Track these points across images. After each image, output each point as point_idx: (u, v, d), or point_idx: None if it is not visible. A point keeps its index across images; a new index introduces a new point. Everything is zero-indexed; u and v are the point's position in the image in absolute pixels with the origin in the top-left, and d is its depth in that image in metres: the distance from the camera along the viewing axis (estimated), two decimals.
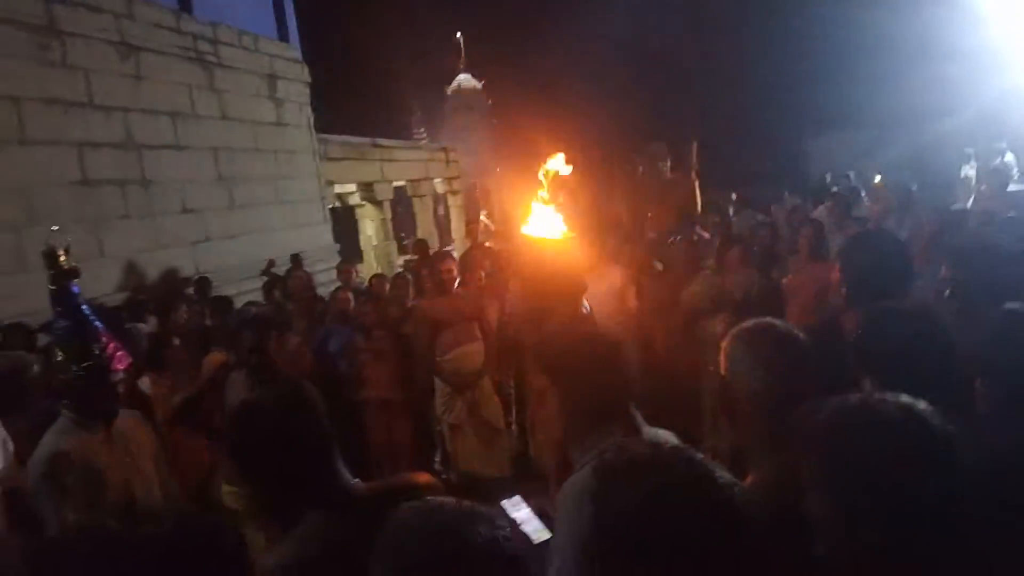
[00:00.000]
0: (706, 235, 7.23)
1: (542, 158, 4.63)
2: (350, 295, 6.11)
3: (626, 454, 1.10)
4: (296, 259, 9.19)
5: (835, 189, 10.37)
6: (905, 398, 1.21)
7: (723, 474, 1.05)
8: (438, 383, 5.10)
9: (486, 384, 5.14)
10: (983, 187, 7.36)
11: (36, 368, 3.25)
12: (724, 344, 1.82)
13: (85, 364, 2.53)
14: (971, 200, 7.79)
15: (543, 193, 4.22)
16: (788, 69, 19.18)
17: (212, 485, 3.97)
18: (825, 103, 18.62)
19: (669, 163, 10.72)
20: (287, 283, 7.58)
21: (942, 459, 1.13)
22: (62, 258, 2.68)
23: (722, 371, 1.81)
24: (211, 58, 8.86)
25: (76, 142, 6.76)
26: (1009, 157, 10.79)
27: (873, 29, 15.28)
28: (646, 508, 0.99)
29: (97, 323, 2.71)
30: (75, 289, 2.70)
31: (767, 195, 11.79)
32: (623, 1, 20.41)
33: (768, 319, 1.86)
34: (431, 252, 9.38)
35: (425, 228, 16.01)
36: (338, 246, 11.68)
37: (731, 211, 10.21)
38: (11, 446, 2.92)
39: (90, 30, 7.06)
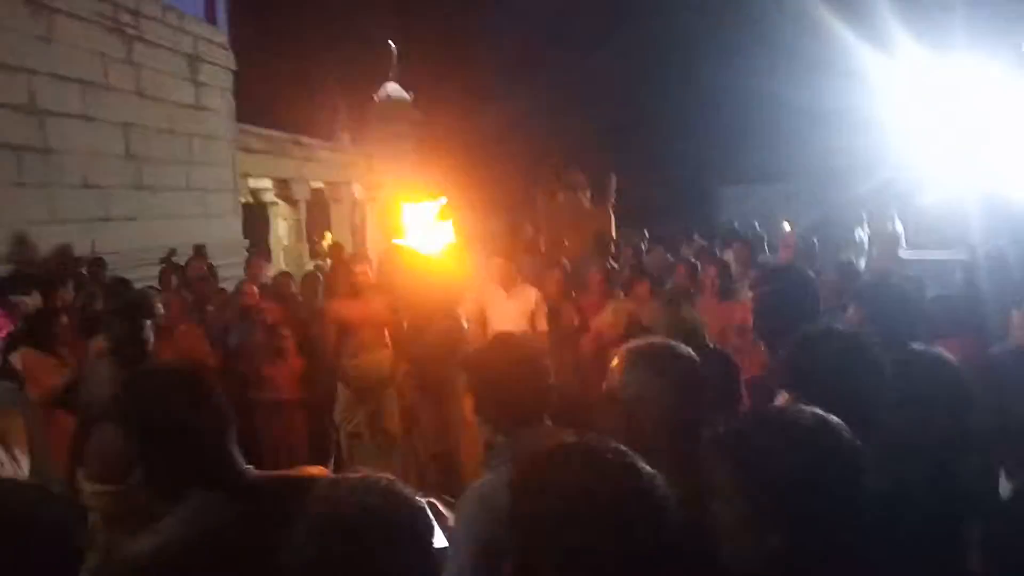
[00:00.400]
0: (615, 265, 7.41)
1: (465, 174, 4.67)
2: (255, 290, 5.92)
3: (548, 448, 1.11)
4: (199, 249, 8.80)
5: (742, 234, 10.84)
6: (818, 410, 1.26)
7: (646, 466, 1.08)
8: (340, 388, 4.98)
9: (390, 394, 5.05)
10: (875, 250, 7.88)
11: None
12: (618, 365, 1.85)
13: None
14: (862, 261, 8.34)
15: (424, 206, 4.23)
16: (706, 120, 20.08)
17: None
18: (737, 156, 19.59)
19: (589, 193, 10.97)
20: (185, 271, 7.29)
21: (849, 469, 1.19)
22: None
23: (616, 393, 1.83)
24: (131, 30, 8.47)
25: None
26: (898, 224, 11.61)
27: (787, 95, 16.22)
28: (572, 495, 1.00)
29: None
30: None
31: (676, 235, 12.23)
32: (557, 32, 20.88)
33: (663, 340, 1.93)
34: (345, 256, 9.22)
35: (340, 233, 15.71)
36: (247, 242, 11.28)
37: (644, 247, 10.52)
38: None
39: None
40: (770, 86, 16.66)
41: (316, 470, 1.84)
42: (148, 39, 8.74)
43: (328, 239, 14.59)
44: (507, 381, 1.90)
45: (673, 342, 1.88)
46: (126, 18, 8.37)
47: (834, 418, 1.24)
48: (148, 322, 3.65)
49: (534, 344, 2.07)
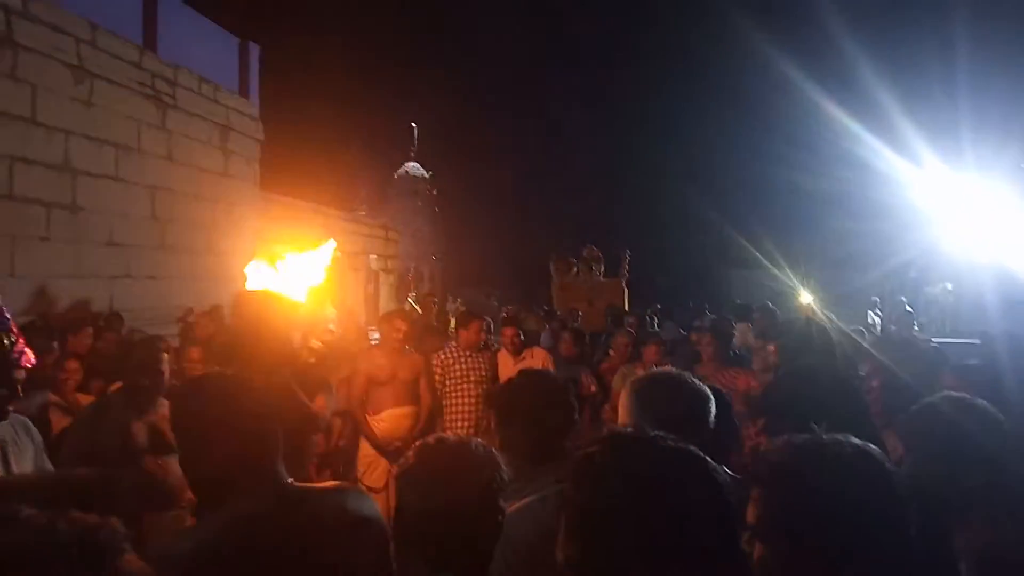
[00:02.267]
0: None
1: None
2: None
3: (606, 436, 1.12)
4: (216, 309, 8.89)
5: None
6: (856, 439, 1.19)
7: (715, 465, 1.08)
8: (361, 443, 4.95)
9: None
10: (892, 326, 7.85)
11: None
12: (625, 397, 1.90)
13: None
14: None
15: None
16: (720, 204, 20.43)
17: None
18: (750, 241, 19.82)
19: (603, 267, 11.07)
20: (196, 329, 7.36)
21: (897, 502, 1.12)
22: None
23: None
24: (167, 98, 8.82)
25: (8, 155, 6.53)
26: (908, 308, 11.60)
27: (801, 184, 16.54)
28: (638, 482, 1.01)
29: (7, 316, 2.55)
30: None
31: (687, 311, 12.24)
32: (575, 119, 21.51)
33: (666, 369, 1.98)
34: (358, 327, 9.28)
35: (355, 301, 15.82)
36: None
37: (654, 322, 10.53)
38: None
39: (47, 48, 6.97)
40: (785, 173, 16.98)
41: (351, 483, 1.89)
42: (182, 108, 9.09)
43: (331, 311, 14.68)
44: (537, 412, 1.90)
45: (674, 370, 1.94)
46: (163, 87, 8.73)
47: (874, 447, 1.18)
48: (165, 355, 3.66)
49: (557, 379, 2.07)
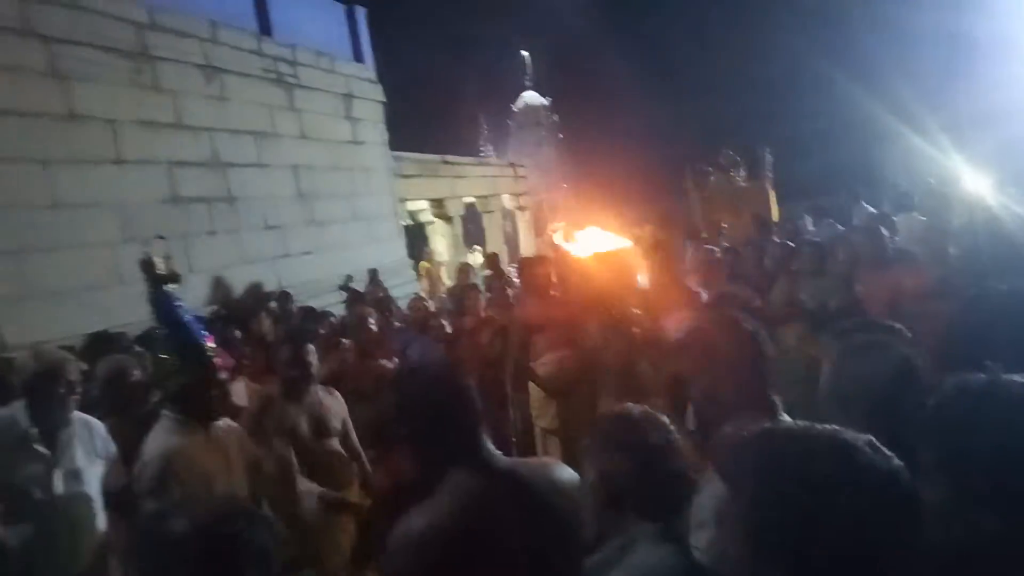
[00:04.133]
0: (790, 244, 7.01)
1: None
2: (428, 304, 6.17)
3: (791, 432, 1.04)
4: (373, 274, 9.34)
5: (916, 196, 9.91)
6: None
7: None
8: (533, 387, 5.05)
9: (581, 391, 5.05)
10: None
11: (137, 372, 3.37)
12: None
13: (195, 367, 2.60)
14: None
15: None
16: (863, 72, 18.53)
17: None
18: (896, 105, 17.95)
19: (743, 172, 10.49)
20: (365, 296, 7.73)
21: None
22: (160, 267, 2.77)
23: None
24: (290, 79, 9.14)
25: (166, 161, 7.05)
26: None
27: (945, 26, 14.68)
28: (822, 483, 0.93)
29: (202, 328, 2.78)
30: (174, 295, 2.78)
31: (842, 205, 11.35)
32: (690, 10, 20.23)
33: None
34: (501, 265, 9.43)
35: (495, 243, 16.08)
36: (412, 262, 11.84)
37: (809, 222, 9.89)
38: (112, 447, 3.03)
39: (178, 54, 7.38)
40: (931, 17, 15.07)
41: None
42: (305, 85, 9.40)
43: (478, 252, 15.00)
44: (729, 368, 1.82)
45: None
46: (285, 68, 9.05)
47: None
48: (310, 347, 3.80)
49: (747, 325, 1.96)
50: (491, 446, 1.82)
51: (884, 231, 5.22)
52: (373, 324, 4.48)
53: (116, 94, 6.60)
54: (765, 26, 20.01)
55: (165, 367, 2.64)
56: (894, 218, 6.81)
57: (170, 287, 2.80)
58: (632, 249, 4.55)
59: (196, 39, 7.67)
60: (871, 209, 10.70)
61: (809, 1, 19.35)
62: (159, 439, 2.52)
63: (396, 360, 4.77)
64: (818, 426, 1.02)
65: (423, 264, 12.75)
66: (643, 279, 5.05)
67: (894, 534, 0.91)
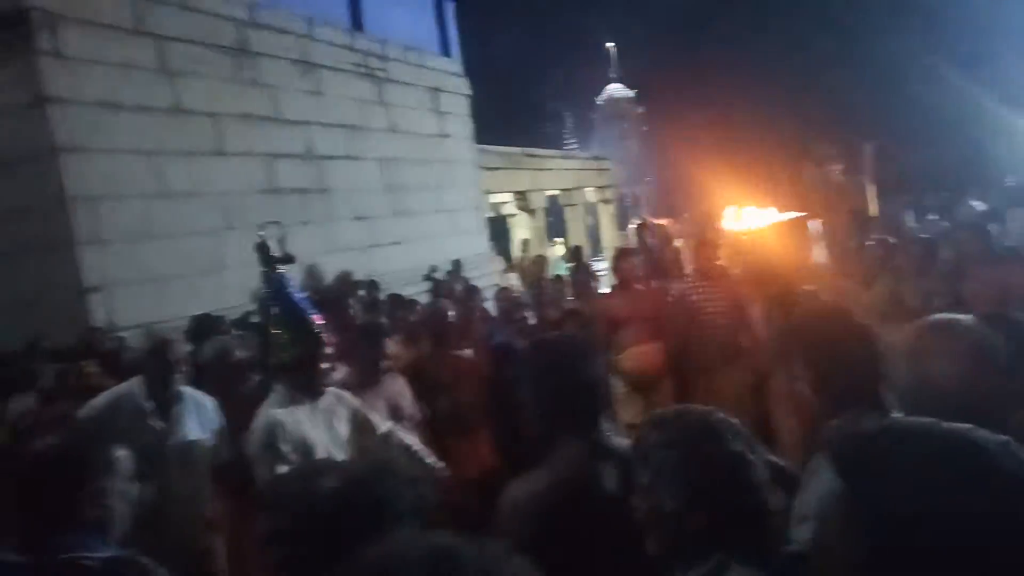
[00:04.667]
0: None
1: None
2: (513, 295, 6.21)
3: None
4: (456, 264, 9.48)
5: None
6: None
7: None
8: (615, 381, 5.04)
9: (666, 387, 5.00)
10: None
11: (239, 353, 3.55)
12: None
13: (305, 343, 2.73)
14: None
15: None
16: (968, 62, 17.47)
17: None
18: (1008, 97, 16.84)
19: (841, 167, 10.09)
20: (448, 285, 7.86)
21: None
22: (274, 249, 2.91)
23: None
24: (380, 73, 9.36)
25: (266, 153, 7.34)
26: None
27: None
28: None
29: (310, 307, 2.91)
30: (288, 276, 2.91)
31: (944, 201, 10.78)
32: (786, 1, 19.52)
33: None
34: (584, 258, 9.40)
35: (577, 236, 16.04)
36: (493, 253, 11.97)
37: (910, 218, 9.44)
38: (220, 422, 3.20)
39: (276, 50, 7.67)
40: None
41: None
42: (395, 79, 9.61)
43: (560, 244, 14.99)
44: (839, 360, 1.78)
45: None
46: (375, 63, 9.27)
47: None
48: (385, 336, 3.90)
49: (860, 316, 1.92)
50: (606, 423, 1.84)
51: (991, 228, 4.94)
52: (451, 315, 4.54)
53: (219, 89, 6.92)
54: (870, 18, 19.13)
55: (278, 343, 2.78)
56: (1006, 213, 6.45)
57: (282, 268, 2.93)
58: (803, 220, 4.44)
59: (293, 35, 7.95)
60: (978, 205, 10.14)
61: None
62: (267, 412, 2.66)
63: (477, 351, 4.82)
64: (945, 424, 0.97)
65: (516, 256, 12.87)
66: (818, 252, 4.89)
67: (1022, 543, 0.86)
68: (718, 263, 5.24)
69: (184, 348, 3.14)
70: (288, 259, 2.95)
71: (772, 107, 18.72)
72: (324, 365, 2.81)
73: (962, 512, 0.88)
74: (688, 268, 6.37)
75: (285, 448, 2.54)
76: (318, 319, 2.85)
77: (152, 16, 6.30)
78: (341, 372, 3.60)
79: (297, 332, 2.76)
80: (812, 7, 20.08)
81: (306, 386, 2.76)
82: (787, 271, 3.10)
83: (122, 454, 1.76)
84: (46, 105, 5.46)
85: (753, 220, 3.97)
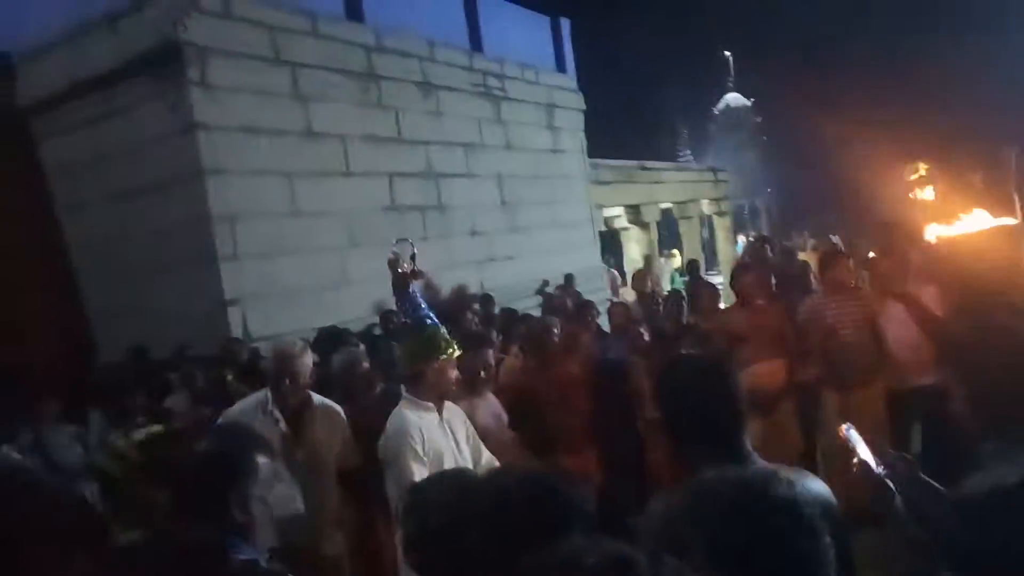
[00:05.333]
0: None
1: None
2: (627, 310, 6.18)
3: None
4: (568, 279, 9.52)
5: None
6: None
7: None
8: None
9: (786, 407, 4.83)
10: None
11: (366, 363, 3.73)
12: None
13: (434, 353, 2.87)
14: None
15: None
16: None
17: None
18: None
19: (981, 173, 9.39)
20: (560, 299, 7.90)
21: None
22: (405, 265, 3.06)
23: None
24: (498, 92, 9.57)
25: (388, 172, 7.67)
26: None
27: None
28: None
29: (434, 319, 3.04)
30: (415, 290, 3.06)
31: None
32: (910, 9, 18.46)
33: None
34: (700, 273, 9.20)
35: (692, 249, 15.73)
36: (606, 268, 11.92)
37: None
38: (348, 429, 3.36)
39: (400, 73, 8.00)
40: None
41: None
42: (512, 97, 9.80)
43: (676, 257, 14.71)
44: (1007, 377, 1.70)
45: None
46: (493, 82, 9.49)
47: None
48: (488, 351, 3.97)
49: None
50: (748, 446, 1.80)
51: None
52: (556, 331, 4.55)
53: (346, 112, 7.30)
54: (1008, 17, 17.78)
55: (403, 352, 2.93)
56: None
57: (413, 283, 3.09)
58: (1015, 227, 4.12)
59: (416, 58, 8.28)
60: None
61: None
62: (401, 415, 2.80)
63: (584, 367, 4.81)
64: None
65: (637, 270, 12.77)
66: None
67: None
68: (850, 277, 5.02)
69: (310, 358, 3.30)
70: (418, 274, 3.09)
71: (903, 114, 17.68)
72: (453, 375, 2.93)
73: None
74: (816, 283, 6.12)
75: (421, 449, 2.67)
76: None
77: (288, 45, 6.73)
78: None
79: (422, 343, 2.89)
80: (946, 11, 18.88)
81: (432, 395, 2.88)
82: (1000, 283, 2.74)
83: (262, 460, 1.89)
84: (195, 131, 5.95)
85: (957, 225, 3.70)
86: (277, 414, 3.19)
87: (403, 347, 2.99)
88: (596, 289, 10.42)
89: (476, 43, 9.54)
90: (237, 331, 5.98)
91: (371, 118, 7.60)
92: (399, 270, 3.08)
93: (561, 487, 1.34)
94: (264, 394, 3.28)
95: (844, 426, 1.99)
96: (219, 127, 6.15)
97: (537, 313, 7.74)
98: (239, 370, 4.65)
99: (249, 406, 3.24)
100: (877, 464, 1.87)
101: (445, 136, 8.56)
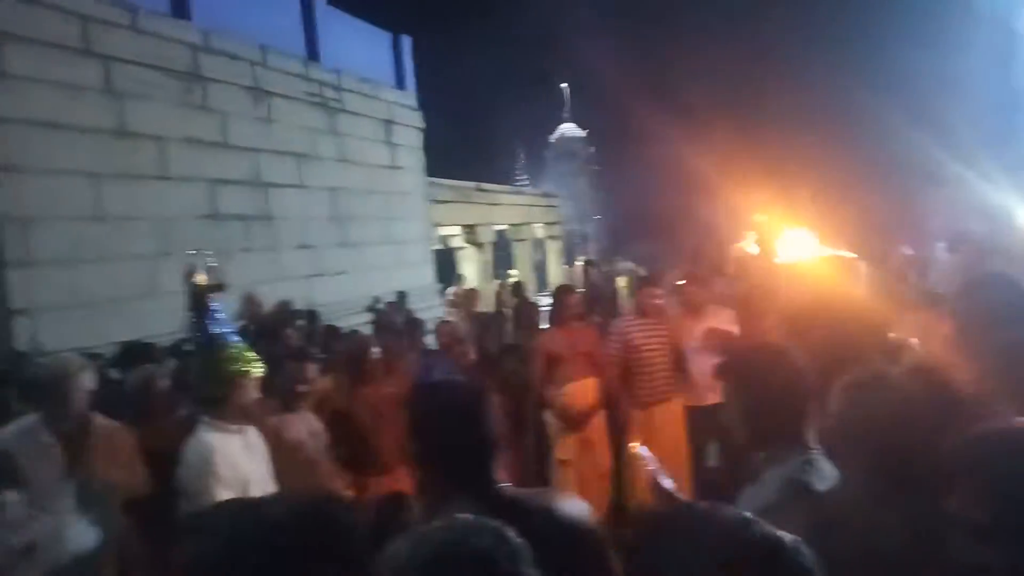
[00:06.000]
0: None
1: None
2: (454, 329, 6.23)
3: None
4: (401, 296, 9.48)
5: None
6: None
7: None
8: (548, 417, 5.09)
9: (598, 423, 5.08)
10: None
11: (164, 382, 3.49)
12: None
13: (228, 374, 2.71)
14: None
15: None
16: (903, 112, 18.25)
17: None
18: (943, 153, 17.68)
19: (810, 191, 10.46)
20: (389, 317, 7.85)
21: None
22: (201, 279, 2.90)
23: None
24: (334, 103, 9.40)
25: (210, 179, 7.28)
26: None
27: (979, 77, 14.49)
28: None
29: (237, 338, 2.90)
30: (215, 305, 2.90)
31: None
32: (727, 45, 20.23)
33: None
34: (528, 294, 9.50)
35: (524, 271, 16.19)
36: (440, 286, 11.98)
37: None
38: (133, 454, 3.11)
39: (228, 76, 7.65)
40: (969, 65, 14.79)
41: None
42: (349, 110, 9.66)
43: (513, 277, 15.10)
44: (771, 393, 1.86)
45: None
46: (330, 93, 9.32)
47: None
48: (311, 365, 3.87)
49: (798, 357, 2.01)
50: (498, 475, 1.74)
51: None
52: (374, 350, 4.49)
53: (166, 112, 6.86)
54: (807, 65, 19.90)
55: (201, 373, 2.76)
56: None
57: (212, 297, 2.92)
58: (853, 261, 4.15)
59: (246, 62, 7.95)
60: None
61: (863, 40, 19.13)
62: (199, 441, 2.61)
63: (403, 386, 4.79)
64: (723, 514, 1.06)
65: (457, 289, 12.89)
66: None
67: None
68: (657, 302, 5.35)
69: (88, 377, 3.00)
70: (218, 287, 2.95)
71: (716, 154, 19.29)
72: (252, 397, 2.77)
73: None
74: (626, 306, 6.51)
75: (224, 475, 2.52)
76: (245, 350, 2.83)
77: (101, 37, 6.24)
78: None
79: (222, 363, 2.73)
80: (753, 51, 20.89)
81: (232, 418, 2.72)
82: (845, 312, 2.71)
83: (11, 498, 1.69)
84: None
85: (799, 249, 3.74)
86: (49, 439, 2.87)
87: (202, 367, 2.79)
88: (432, 307, 10.45)
89: (313, 52, 9.33)
90: (25, 344, 5.41)
91: (194, 120, 7.20)
92: (196, 282, 2.92)
93: (332, 512, 1.33)
94: (37, 417, 2.93)
95: (633, 444, 2.09)
96: (16, 120, 5.58)
97: (368, 330, 7.64)
98: (22, 388, 4.20)
99: (18, 430, 2.88)
100: (665, 478, 2.00)
101: (276, 145, 8.28)
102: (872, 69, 19.21)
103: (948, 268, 6.65)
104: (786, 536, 0.97)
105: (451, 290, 11.86)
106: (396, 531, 1.16)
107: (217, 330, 2.84)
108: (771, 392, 1.89)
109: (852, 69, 19.51)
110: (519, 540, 1.12)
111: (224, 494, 2.48)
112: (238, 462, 2.65)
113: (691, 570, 0.97)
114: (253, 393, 2.76)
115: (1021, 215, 10.14)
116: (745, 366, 2.06)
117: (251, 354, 2.78)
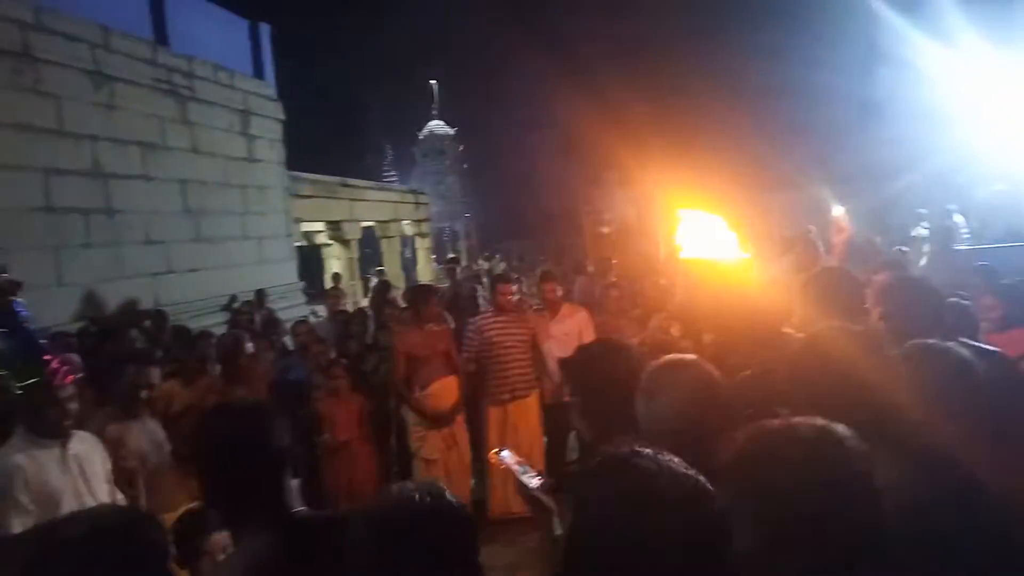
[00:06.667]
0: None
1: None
2: (312, 328, 6.11)
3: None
4: (260, 295, 9.12)
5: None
6: (820, 421, 1.16)
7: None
8: (411, 417, 5.08)
9: (460, 420, 5.14)
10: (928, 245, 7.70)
11: None
12: None
13: (30, 381, 2.50)
14: (922, 260, 8.10)
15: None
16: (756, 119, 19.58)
17: None
18: (785, 160, 19.15)
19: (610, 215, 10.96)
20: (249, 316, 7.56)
21: (862, 480, 1.10)
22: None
23: None
24: (185, 91, 8.91)
25: (43, 168, 6.72)
26: (958, 218, 11.24)
27: (830, 90, 15.88)
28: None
29: (40, 340, 2.69)
30: (18, 307, 2.69)
31: None
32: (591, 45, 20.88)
33: None
34: (391, 293, 9.41)
35: (392, 268, 16.02)
36: (303, 284, 11.63)
37: None
38: None
39: (65, 58, 7.07)
40: (819, 79, 16.15)
41: None
42: (201, 98, 9.18)
43: (383, 274, 14.91)
44: (610, 387, 1.95)
45: None
46: (180, 80, 8.81)
47: (839, 426, 1.16)
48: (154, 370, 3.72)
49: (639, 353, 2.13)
50: (291, 498, 1.68)
51: None
52: (249, 349, 4.38)
53: None
54: (674, 62, 20.85)
55: (4, 381, 2.54)
56: None
57: (15, 299, 2.70)
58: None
59: (86, 43, 7.38)
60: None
61: (719, 40, 20.27)
62: (3, 455, 2.41)
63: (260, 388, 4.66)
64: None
65: (331, 287, 12.53)
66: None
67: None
68: (512, 299, 5.47)
69: None
70: (11, 288, 2.72)
71: (581, 152, 19.85)
72: (69, 405, 2.57)
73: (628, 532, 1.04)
74: (485, 304, 6.60)
75: (24, 498, 2.33)
76: (48, 356, 2.63)
77: None
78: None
79: (20, 369, 2.54)
80: (615, 55, 21.72)
81: (44, 428, 2.52)
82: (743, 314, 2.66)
83: None
84: None
85: (704, 246, 3.67)
86: None
87: (10, 375, 2.57)
88: (294, 306, 10.14)
89: (162, 36, 8.79)
90: None
91: (24, 104, 6.61)
92: None
93: (134, 528, 1.30)
94: None
95: (495, 451, 2.07)
96: None
97: (222, 331, 7.31)
98: None
99: None
100: (532, 479, 2.03)
101: (119, 133, 7.74)
102: (726, 76, 20.45)
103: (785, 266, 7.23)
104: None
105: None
106: (196, 546, 1.18)
107: (16, 336, 2.62)
108: (605, 386, 2.01)
109: (711, 76, 20.71)
110: None
111: (21, 519, 2.31)
112: (49, 479, 2.46)
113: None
114: (72, 404, 2.56)
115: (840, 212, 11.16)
116: (581, 363, 2.18)
117: (48, 360, 2.56)
